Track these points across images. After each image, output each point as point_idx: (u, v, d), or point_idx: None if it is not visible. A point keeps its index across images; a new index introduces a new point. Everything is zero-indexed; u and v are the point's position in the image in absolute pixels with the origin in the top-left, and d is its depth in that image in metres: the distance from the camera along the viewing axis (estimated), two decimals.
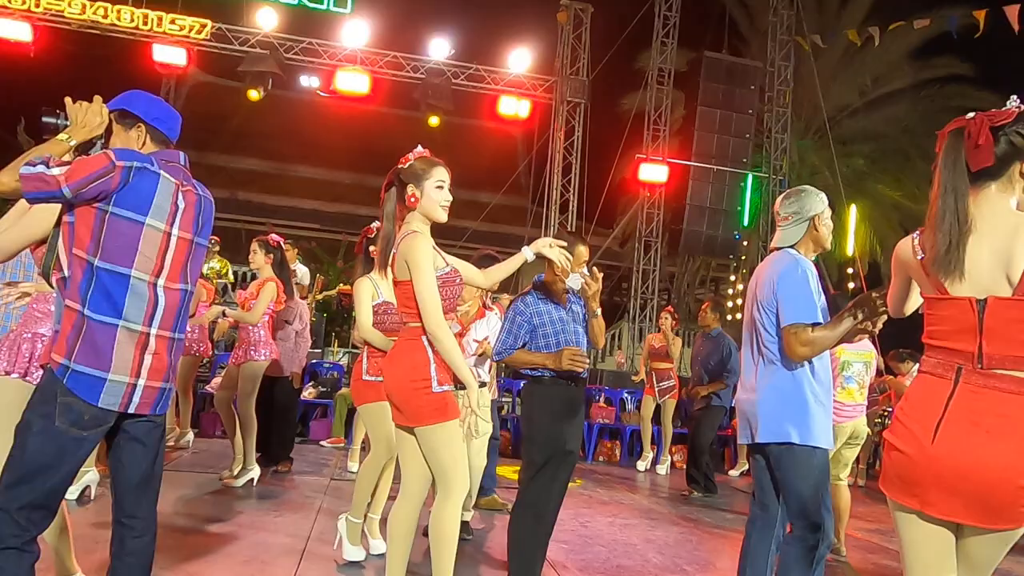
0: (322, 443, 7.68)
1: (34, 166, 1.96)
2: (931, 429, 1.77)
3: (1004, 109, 1.82)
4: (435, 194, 2.68)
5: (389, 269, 2.75)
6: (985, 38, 10.71)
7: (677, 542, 4.87)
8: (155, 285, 2.13)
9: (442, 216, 2.71)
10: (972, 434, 1.71)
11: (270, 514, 4.59)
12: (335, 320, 11.41)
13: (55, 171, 1.96)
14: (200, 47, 11.44)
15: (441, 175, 2.70)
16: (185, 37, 11.23)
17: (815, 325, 2.57)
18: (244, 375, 5.23)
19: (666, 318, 7.96)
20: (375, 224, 3.99)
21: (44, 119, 2.26)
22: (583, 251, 3.30)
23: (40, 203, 2.09)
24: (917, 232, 1.92)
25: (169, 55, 11.07)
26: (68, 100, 2.17)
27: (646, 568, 4.18)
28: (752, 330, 2.80)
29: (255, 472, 5.30)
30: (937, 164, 1.86)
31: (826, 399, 2.74)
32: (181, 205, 2.19)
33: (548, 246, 2.96)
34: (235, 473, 5.25)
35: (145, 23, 11.05)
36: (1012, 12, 9.68)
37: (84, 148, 2.17)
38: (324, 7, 11.52)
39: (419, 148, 2.76)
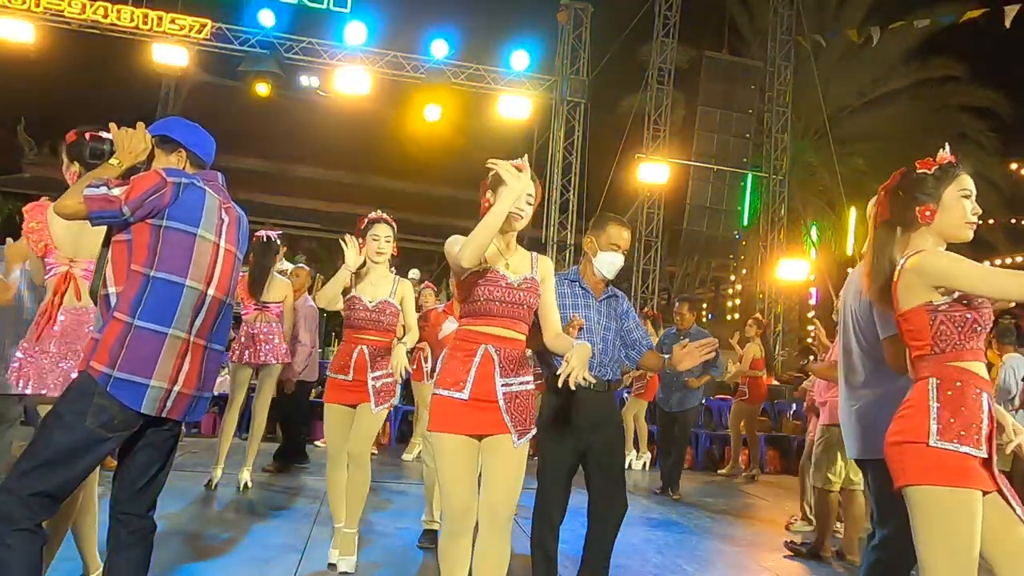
0: (316, 443, 7.64)
1: (96, 188, 2.07)
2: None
3: (928, 160, 2.14)
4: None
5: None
6: (982, 37, 10.72)
7: (677, 542, 4.87)
8: (205, 294, 2.22)
9: (511, 224, 2.49)
10: None
11: (270, 514, 4.60)
12: (335, 319, 11.38)
13: (115, 191, 2.08)
14: (200, 47, 11.44)
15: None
16: (185, 37, 11.23)
17: None
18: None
19: (648, 320, 8.06)
20: (374, 214, 3.89)
21: (92, 144, 2.39)
22: (616, 232, 3.23)
23: (103, 223, 2.16)
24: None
25: (169, 55, 11.07)
26: (113, 126, 2.27)
27: (646, 568, 4.18)
28: (857, 336, 2.70)
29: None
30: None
31: None
32: (225, 219, 2.32)
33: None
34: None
35: (145, 23, 11.06)
36: (1010, 11, 9.67)
37: (128, 172, 2.25)
38: (324, 7, 11.52)
39: (523, 159, 2.53)
